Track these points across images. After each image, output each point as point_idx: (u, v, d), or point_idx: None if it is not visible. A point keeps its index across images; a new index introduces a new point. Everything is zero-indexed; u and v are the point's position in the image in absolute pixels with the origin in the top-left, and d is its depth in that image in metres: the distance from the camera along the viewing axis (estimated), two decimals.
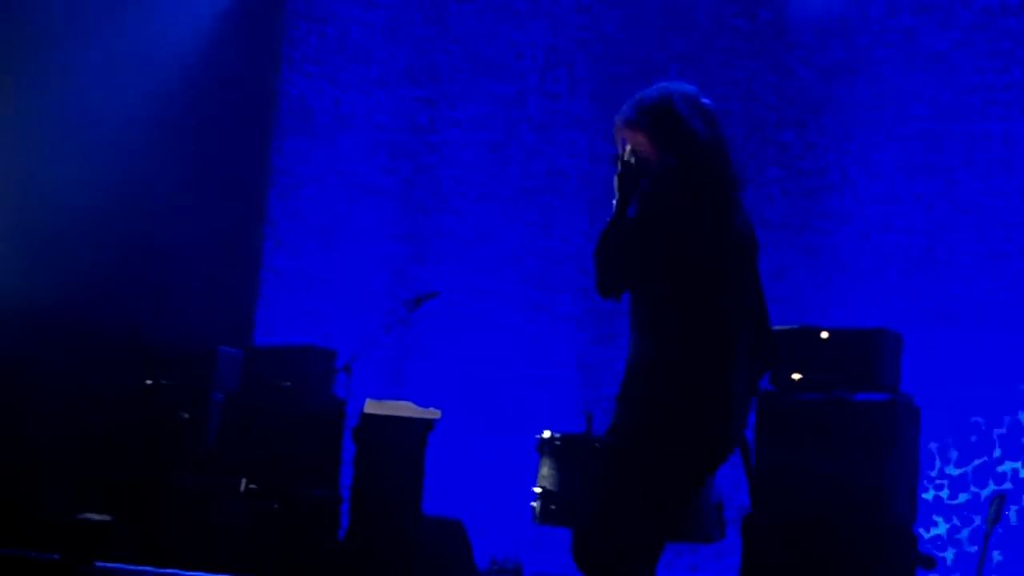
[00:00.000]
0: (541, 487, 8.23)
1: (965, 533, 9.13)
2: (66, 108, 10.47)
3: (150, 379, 9.98)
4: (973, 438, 9.23)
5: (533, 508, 8.21)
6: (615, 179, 4.67)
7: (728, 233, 4.60)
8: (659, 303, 4.54)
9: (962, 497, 9.22)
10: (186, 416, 9.74)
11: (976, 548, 8.17)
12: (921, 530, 8.10)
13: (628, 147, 4.72)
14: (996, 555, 8.91)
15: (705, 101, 4.78)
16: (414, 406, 9.12)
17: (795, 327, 8.18)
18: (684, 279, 4.51)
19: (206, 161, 11.11)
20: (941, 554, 9.02)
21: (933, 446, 9.15)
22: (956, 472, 9.24)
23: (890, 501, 7.66)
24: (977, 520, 9.06)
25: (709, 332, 4.49)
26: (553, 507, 8.10)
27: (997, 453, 9.20)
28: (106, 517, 9.03)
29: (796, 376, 7.98)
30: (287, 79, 11.83)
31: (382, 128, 11.46)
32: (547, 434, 8.29)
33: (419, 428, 8.97)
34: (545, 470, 8.27)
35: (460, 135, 11.18)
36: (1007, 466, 9.15)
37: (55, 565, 7.64)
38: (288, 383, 9.49)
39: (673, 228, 4.51)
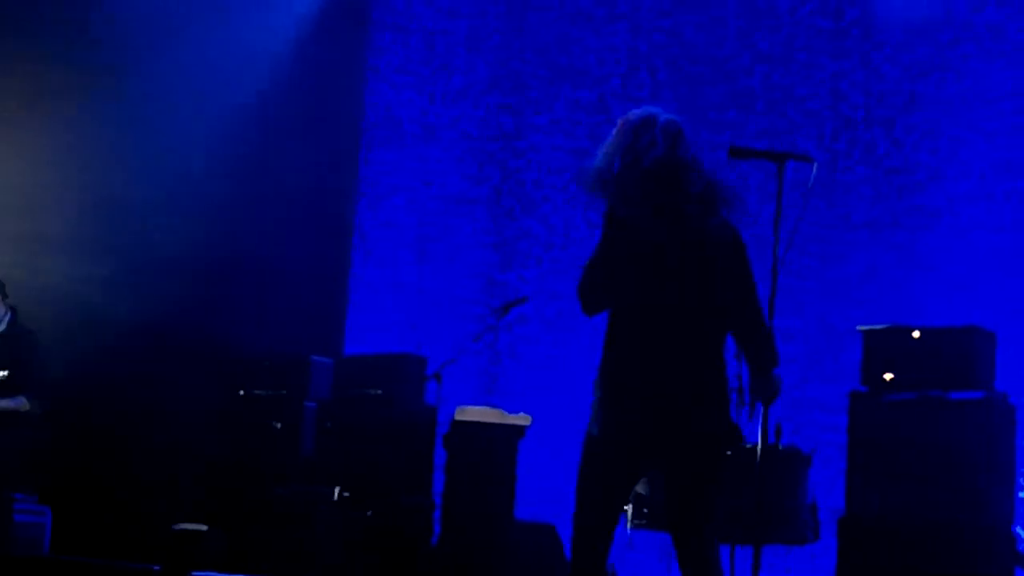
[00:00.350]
0: (634, 491, 8.22)
1: None
2: (158, 124, 10.63)
3: (243, 389, 10.08)
4: None
5: (625, 512, 8.19)
6: None
7: (651, 250, 5.03)
8: (609, 318, 5.21)
9: None
10: (279, 426, 9.83)
11: None
12: (1019, 529, 7.99)
13: None
14: None
15: (639, 119, 5.12)
16: (505, 412, 9.15)
17: (886, 327, 8.12)
18: (616, 298, 5.14)
19: (295, 174, 11.21)
20: None
21: None
22: None
23: (987, 500, 7.59)
24: None
25: (621, 343, 5.13)
26: (646, 511, 8.07)
27: None
28: (202, 527, 9.13)
29: (888, 376, 7.92)
30: (374, 90, 11.91)
31: (468, 136, 11.51)
32: None
33: (510, 434, 8.99)
34: None
35: (545, 141, 11.20)
36: None
37: (155, 575, 7.74)
38: (379, 391, 9.55)
39: (602, 254, 5.10)
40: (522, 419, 9.05)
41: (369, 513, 9.14)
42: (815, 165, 5.76)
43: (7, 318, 8.61)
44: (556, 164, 11.18)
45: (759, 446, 5.84)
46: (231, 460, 10.00)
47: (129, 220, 10.56)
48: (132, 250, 10.53)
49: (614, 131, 5.12)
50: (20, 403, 8.42)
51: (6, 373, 8.38)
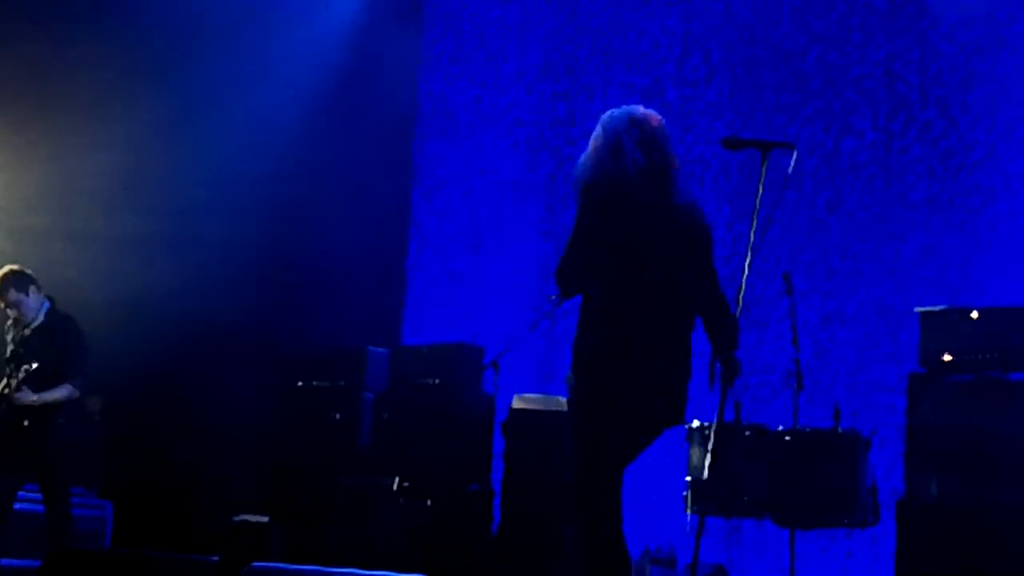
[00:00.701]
0: (692, 476, 8.22)
1: None
2: (215, 121, 10.71)
3: (301, 381, 10.12)
4: None
5: (684, 497, 8.19)
6: None
7: (631, 238, 5.20)
8: (585, 301, 5.36)
9: None
10: (337, 417, 9.87)
11: None
12: None
13: None
14: None
15: (627, 118, 5.34)
16: (563, 399, 9.13)
17: (944, 308, 8.06)
18: (595, 282, 5.27)
19: (351, 165, 11.27)
20: None
21: None
22: None
23: None
24: None
25: (606, 327, 5.26)
26: (705, 495, 8.08)
27: None
28: (262, 518, 9.18)
29: (947, 357, 7.85)
30: (427, 80, 11.94)
31: (522, 124, 11.50)
32: (696, 423, 8.25)
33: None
34: (695, 459, 8.25)
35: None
36: None
37: (214, 567, 7.78)
38: (437, 381, 9.56)
39: (580, 241, 5.24)
40: None
41: (428, 502, 9.17)
42: (795, 154, 5.79)
43: (44, 308, 8.62)
44: None
45: (715, 424, 5.92)
46: (290, 452, 10.05)
47: (187, 216, 10.63)
48: (191, 246, 10.60)
49: (601, 130, 5.29)
50: (70, 392, 8.44)
51: (36, 365, 8.38)
